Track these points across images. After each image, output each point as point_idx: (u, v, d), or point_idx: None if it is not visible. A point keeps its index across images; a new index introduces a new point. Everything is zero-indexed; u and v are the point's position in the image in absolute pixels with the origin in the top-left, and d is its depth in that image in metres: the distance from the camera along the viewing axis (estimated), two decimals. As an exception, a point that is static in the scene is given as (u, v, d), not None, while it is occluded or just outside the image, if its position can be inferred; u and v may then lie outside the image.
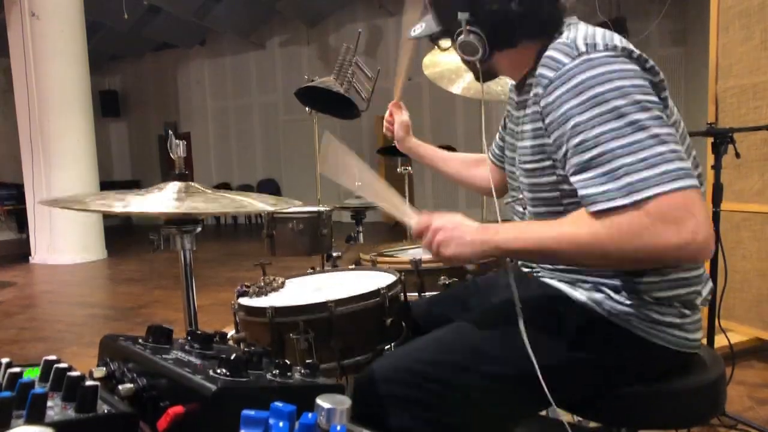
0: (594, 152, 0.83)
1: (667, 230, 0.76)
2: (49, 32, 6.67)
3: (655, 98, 0.84)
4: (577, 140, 0.85)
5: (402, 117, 1.54)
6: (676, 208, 0.77)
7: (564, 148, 0.88)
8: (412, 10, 1.26)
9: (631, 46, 0.89)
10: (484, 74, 1.09)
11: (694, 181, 0.78)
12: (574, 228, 0.84)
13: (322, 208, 2.33)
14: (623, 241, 0.79)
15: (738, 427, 1.87)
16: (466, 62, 1.08)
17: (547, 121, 0.92)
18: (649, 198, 0.77)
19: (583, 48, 0.88)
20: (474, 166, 1.47)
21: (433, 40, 1.10)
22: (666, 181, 0.77)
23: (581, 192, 0.85)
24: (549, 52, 0.92)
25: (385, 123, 1.58)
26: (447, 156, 1.53)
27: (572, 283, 0.99)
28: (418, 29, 1.10)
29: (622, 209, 0.79)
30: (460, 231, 0.92)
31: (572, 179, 0.87)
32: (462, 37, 0.98)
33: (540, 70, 0.92)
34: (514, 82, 1.12)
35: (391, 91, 1.56)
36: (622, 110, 0.81)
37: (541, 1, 0.95)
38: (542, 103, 0.92)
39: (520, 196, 1.08)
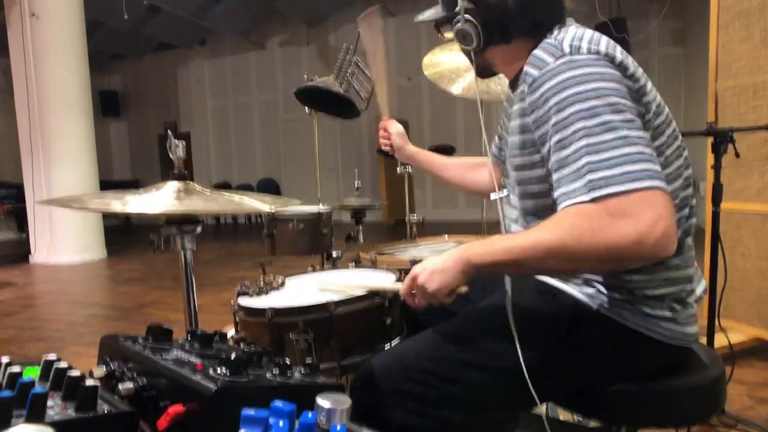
0: (568, 151, 0.84)
1: (625, 225, 0.76)
2: (49, 32, 6.66)
3: (630, 102, 0.86)
4: (556, 138, 0.87)
5: (397, 127, 1.57)
6: (634, 204, 0.77)
7: (547, 145, 0.90)
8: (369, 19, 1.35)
9: (615, 52, 0.90)
10: (482, 69, 1.12)
11: (658, 183, 0.78)
12: (539, 233, 0.84)
13: (322, 208, 2.33)
14: (584, 239, 0.79)
15: (738, 427, 1.87)
16: (464, 52, 1.11)
17: (533, 117, 0.93)
18: (608, 195, 0.78)
19: (567, 49, 0.90)
20: (473, 170, 1.47)
21: (436, 26, 1.13)
22: (627, 180, 0.78)
23: (555, 191, 0.87)
24: (536, 51, 0.94)
25: (381, 140, 1.60)
26: (445, 162, 1.54)
27: (565, 280, 1.00)
28: (426, 14, 1.14)
29: (583, 206, 0.81)
30: (435, 264, 0.93)
31: (552, 176, 0.88)
32: (459, 24, 1.00)
33: (526, 68, 0.95)
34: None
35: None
36: (596, 110, 0.83)
37: (537, 1, 0.97)
38: (528, 101, 0.94)
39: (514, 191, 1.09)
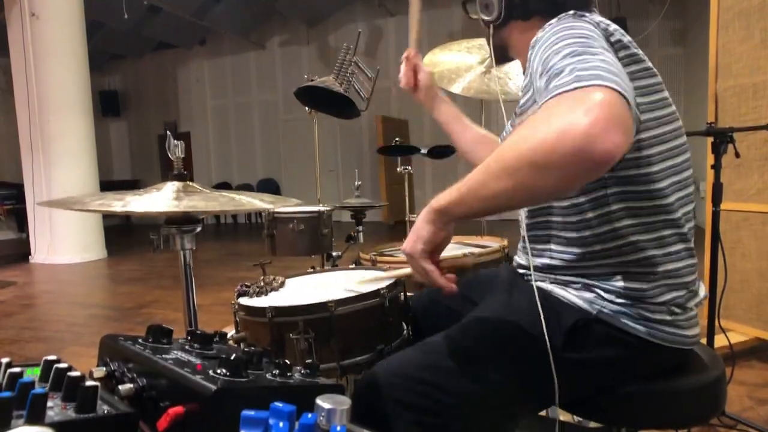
0: (543, 78, 0.82)
1: (558, 113, 0.70)
2: (49, 32, 6.66)
3: (606, 44, 0.84)
4: (538, 71, 0.85)
5: (426, 70, 1.51)
6: (572, 97, 0.71)
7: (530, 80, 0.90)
8: None
9: (620, 36, 0.89)
10: (498, 50, 1.14)
11: (602, 81, 0.70)
12: (486, 162, 0.80)
13: (322, 208, 2.33)
14: (518, 142, 0.73)
15: (738, 428, 1.87)
16: (485, 26, 1.12)
17: (528, 72, 0.94)
18: (552, 96, 0.73)
19: (570, 14, 0.92)
20: (483, 144, 1.45)
21: (463, 4, 1.19)
22: (575, 80, 0.72)
23: None
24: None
25: (403, 75, 1.51)
26: (467, 125, 1.50)
27: (564, 285, 0.99)
28: None
29: (534, 113, 0.77)
30: (414, 225, 0.92)
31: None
32: None
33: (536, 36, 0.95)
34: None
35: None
36: (571, 41, 0.82)
37: None
38: (530, 57, 0.93)
39: None
